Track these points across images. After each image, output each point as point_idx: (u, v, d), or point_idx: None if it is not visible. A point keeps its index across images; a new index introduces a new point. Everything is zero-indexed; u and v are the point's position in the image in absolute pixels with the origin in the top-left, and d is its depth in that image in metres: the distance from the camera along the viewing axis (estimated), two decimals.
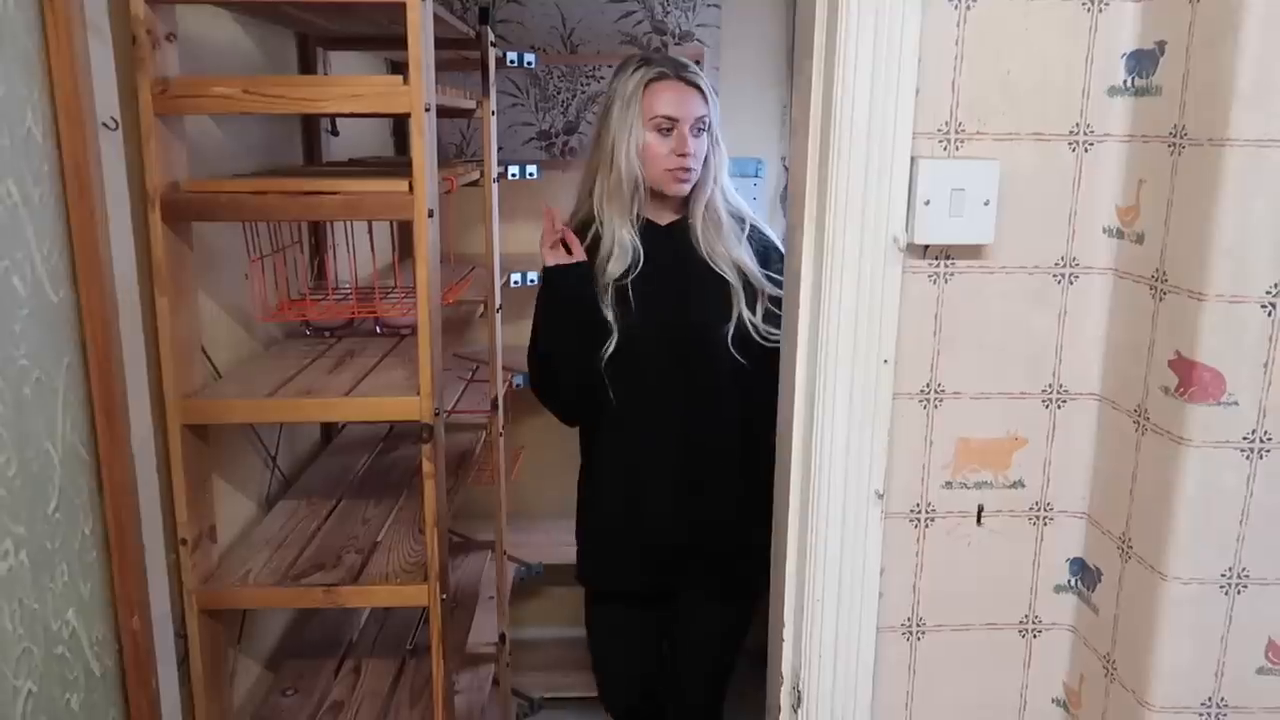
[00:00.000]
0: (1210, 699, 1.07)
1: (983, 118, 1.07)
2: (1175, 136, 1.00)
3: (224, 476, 1.66)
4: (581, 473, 1.95)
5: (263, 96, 1.37)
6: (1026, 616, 1.21)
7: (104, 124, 1.18)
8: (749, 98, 2.95)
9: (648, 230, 1.79)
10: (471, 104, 2.12)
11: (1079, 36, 1.06)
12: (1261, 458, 1.00)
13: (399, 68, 2.19)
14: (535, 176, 2.53)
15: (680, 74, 1.75)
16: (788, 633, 1.21)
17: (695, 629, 1.95)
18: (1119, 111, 1.08)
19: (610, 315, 1.75)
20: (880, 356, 1.10)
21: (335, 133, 2.21)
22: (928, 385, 1.14)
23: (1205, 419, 0.99)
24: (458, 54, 2.22)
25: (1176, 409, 1.00)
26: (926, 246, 1.10)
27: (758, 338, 1.74)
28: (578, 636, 2.01)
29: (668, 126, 1.73)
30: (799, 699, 1.20)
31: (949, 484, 1.16)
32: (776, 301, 1.69)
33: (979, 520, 1.17)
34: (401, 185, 1.40)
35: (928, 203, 1.06)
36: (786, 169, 2.89)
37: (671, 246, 1.78)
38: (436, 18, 1.57)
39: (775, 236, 1.89)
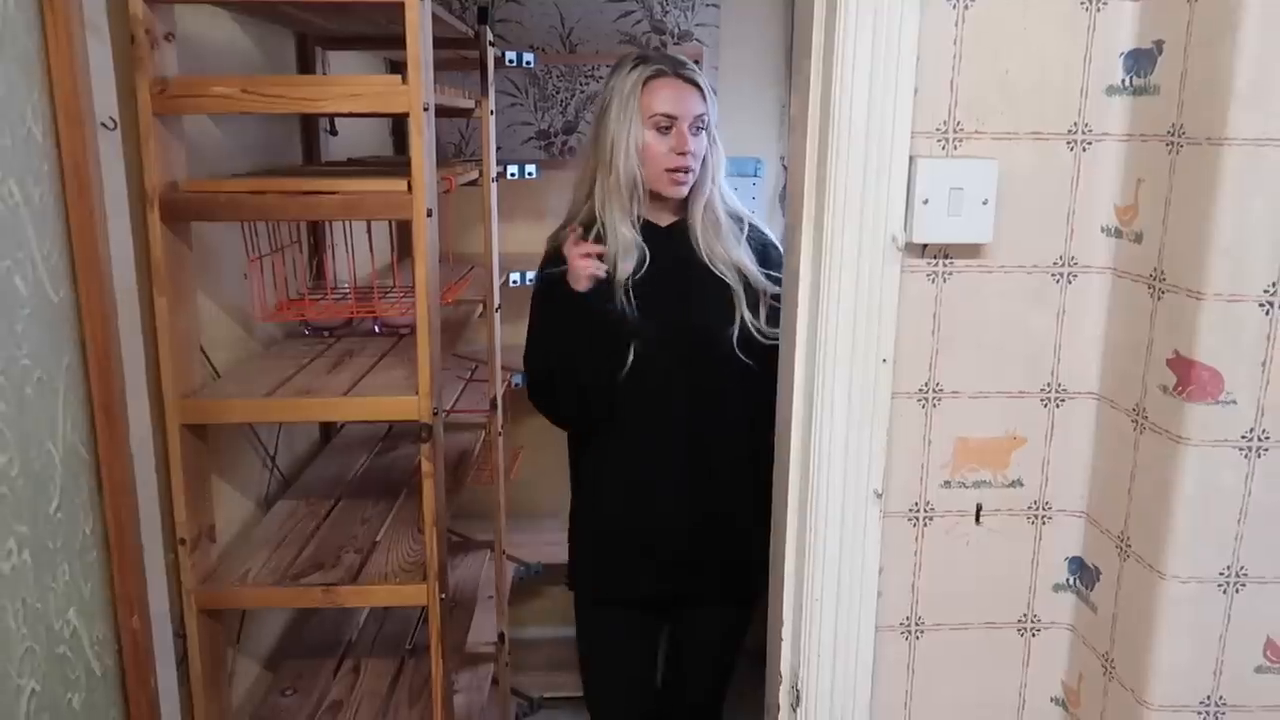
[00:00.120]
0: (1209, 698, 1.07)
1: (981, 117, 1.07)
2: (1173, 136, 1.00)
3: (223, 476, 1.66)
4: (576, 477, 1.92)
5: (261, 96, 1.37)
6: (1025, 615, 1.21)
7: (103, 124, 1.18)
8: (748, 97, 2.95)
9: (648, 231, 1.77)
10: (470, 104, 2.12)
11: (1077, 36, 1.06)
12: (1260, 456, 1.00)
13: (398, 67, 2.19)
14: (534, 176, 2.53)
15: (678, 71, 1.74)
16: (786, 632, 1.21)
17: (698, 631, 1.94)
18: (1117, 111, 1.08)
19: (617, 318, 1.72)
20: (879, 356, 1.10)
21: (334, 132, 2.21)
22: (926, 384, 1.14)
23: (1204, 418, 0.99)
24: (456, 54, 2.22)
25: (1175, 408, 1.01)
26: (925, 246, 1.10)
27: (760, 339, 1.73)
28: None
29: (666, 125, 1.72)
30: (798, 698, 1.20)
31: (948, 483, 1.16)
32: (779, 299, 1.67)
33: (978, 519, 1.18)
34: (400, 185, 1.40)
35: (926, 202, 1.06)
36: (785, 168, 2.90)
37: (672, 248, 1.77)
38: (435, 17, 1.57)
39: (773, 235, 1.88)
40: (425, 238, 1.40)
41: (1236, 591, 1.04)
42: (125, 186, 1.25)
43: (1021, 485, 1.17)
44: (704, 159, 1.76)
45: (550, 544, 2.72)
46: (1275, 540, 1.03)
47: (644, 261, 1.74)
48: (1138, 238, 1.06)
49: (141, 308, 1.31)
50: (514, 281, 2.51)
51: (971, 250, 1.10)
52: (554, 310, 1.78)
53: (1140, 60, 1.05)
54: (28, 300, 1.04)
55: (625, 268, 1.73)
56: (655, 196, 1.77)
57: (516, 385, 2.62)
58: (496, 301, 2.31)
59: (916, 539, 1.18)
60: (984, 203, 1.07)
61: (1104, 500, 1.14)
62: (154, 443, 1.33)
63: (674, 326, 1.74)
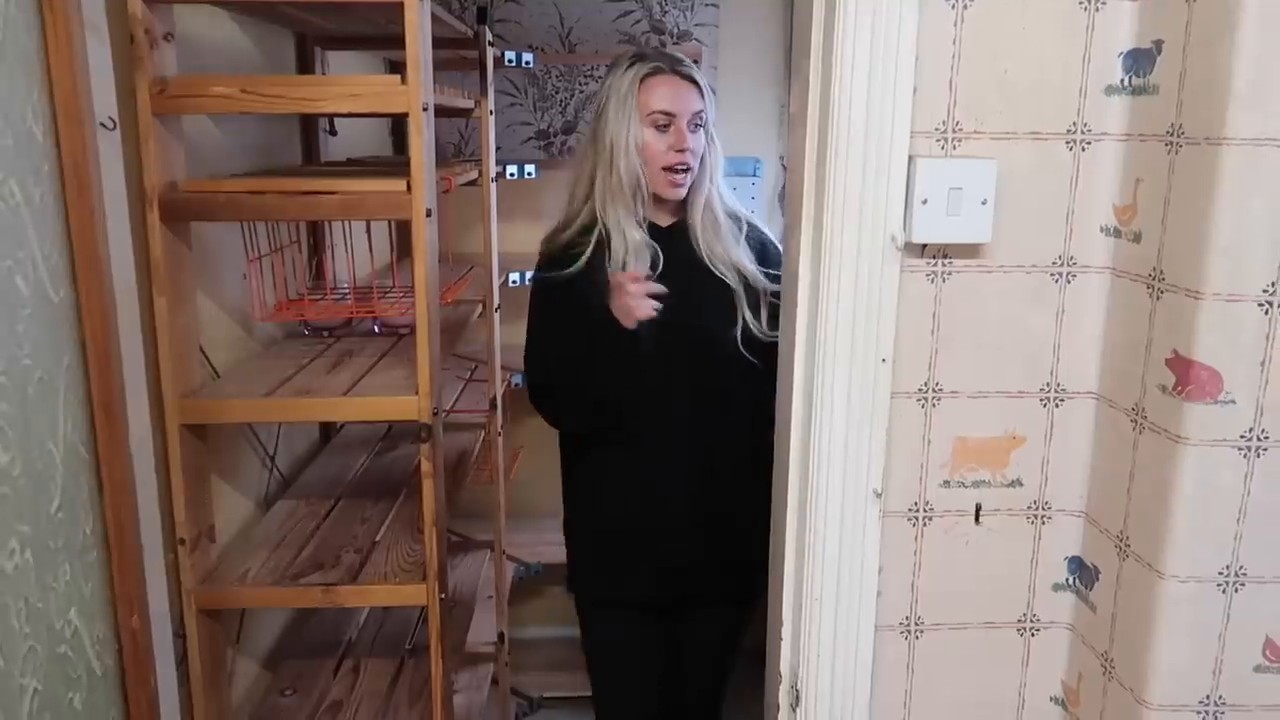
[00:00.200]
0: (1208, 697, 1.07)
1: (980, 117, 1.07)
2: (1172, 136, 1.00)
3: (222, 476, 1.66)
4: (575, 480, 1.89)
5: (261, 96, 1.37)
6: (1025, 615, 1.21)
7: (102, 124, 1.18)
8: (747, 97, 2.95)
9: (651, 232, 1.75)
10: (470, 104, 2.12)
11: (1076, 35, 1.06)
12: (1259, 456, 1.00)
13: (397, 67, 2.19)
14: (533, 176, 2.53)
15: (675, 69, 1.73)
16: (786, 631, 1.21)
17: (698, 631, 1.93)
18: (1116, 111, 1.08)
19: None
20: (878, 355, 1.10)
21: (333, 132, 2.21)
22: (926, 384, 1.14)
23: (1202, 417, 0.99)
24: (456, 54, 2.22)
25: (1174, 407, 1.01)
26: (924, 245, 1.10)
27: (762, 339, 1.72)
28: (577, 636, 1.99)
29: (664, 122, 1.70)
30: (797, 698, 1.20)
31: (947, 483, 1.16)
32: (779, 296, 1.64)
33: (977, 519, 1.18)
34: (400, 185, 1.40)
35: (925, 202, 1.06)
36: (785, 168, 2.90)
37: (674, 249, 1.75)
38: (434, 17, 1.58)
39: (771, 233, 1.88)
40: (425, 238, 1.40)
41: (1236, 591, 1.04)
42: (124, 186, 1.25)
43: (1021, 485, 1.17)
44: (702, 158, 1.75)
45: (550, 544, 2.72)
46: (1274, 540, 1.03)
47: (658, 263, 1.72)
48: (1137, 237, 1.06)
49: (141, 308, 1.31)
50: (513, 281, 2.51)
51: (971, 250, 1.10)
52: (555, 315, 1.77)
53: (1139, 60, 1.05)
54: (29, 300, 1.04)
55: (639, 270, 1.69)
56: (655, 197, 1.75)
57: (516, 385, 2.62)
58: (496, 301, 2.31)
59: (916, 539, 1.18)
60: (983, 203, 1.07)
61: (1103, 500, 1.14)
62: (153, 443, 1.33)
63: (678, 328, 1.71)
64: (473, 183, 2.18)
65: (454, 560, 2.47)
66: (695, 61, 1.80)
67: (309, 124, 2.07)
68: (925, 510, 1.17)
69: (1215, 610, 1.04)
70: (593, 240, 1.73)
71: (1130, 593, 1.09)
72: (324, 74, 2.12)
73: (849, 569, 1.16)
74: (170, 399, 1.39)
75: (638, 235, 1.72)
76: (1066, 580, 1.20)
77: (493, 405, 2.33)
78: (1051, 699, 1.24)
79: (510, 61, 2.48)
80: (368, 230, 1.81)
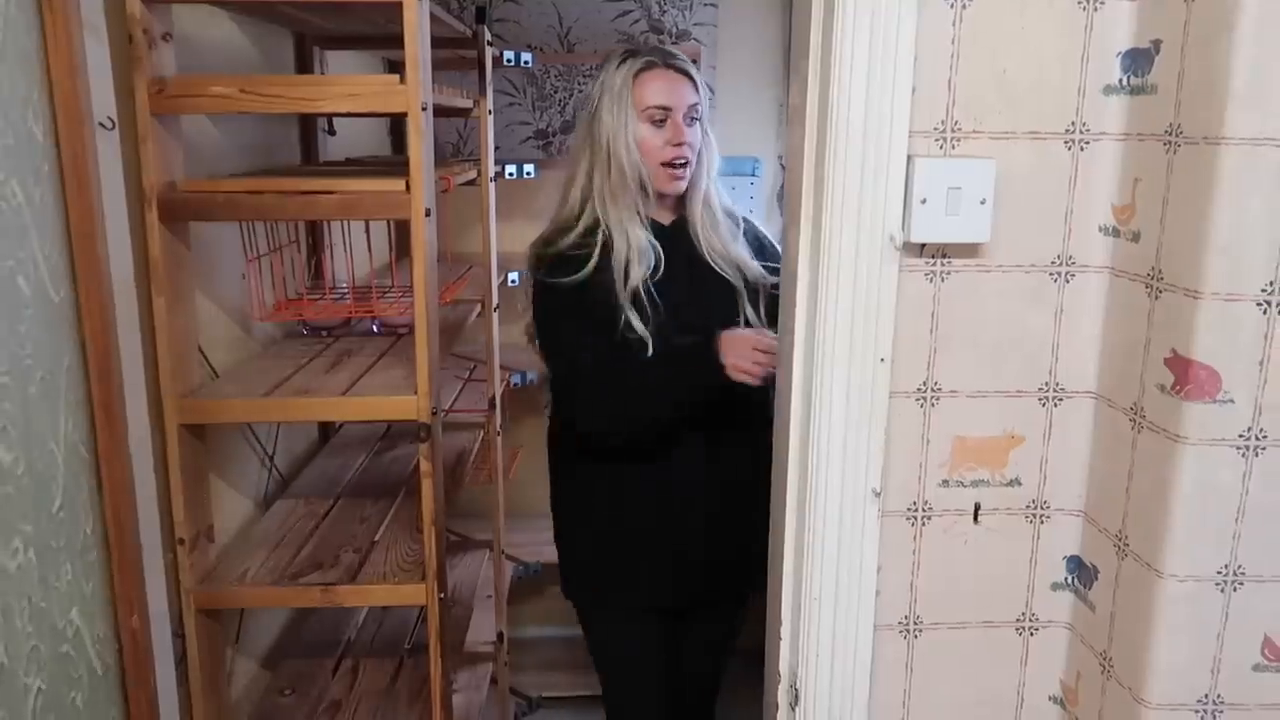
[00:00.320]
0: (1207, 696, 1.07)
1: (979, 116, 1.07)
2: (1171, 135, 1.00)
3: (221, 476, 1.66)
4: (590, 485, 1.84)
5: (259, 96, 1.37)
6: (1023, 614, 1.21)
7: (100, 124, 1.18)
8: (746, 96, 2.96)
9: (654, 230, 1.73)
10: (468, 103, 2.12)
11: (1075, 35, 1.06)
12: (1257, 455, 1.01)
13: (396, 67, 2.19)
14: (532, 176, 2.53)
15: (669, 62, 1.71)
16: (785, 631, 1.21)
17: (703, 630, 1.92)
18: (1115, 110, 1.08)
19: (639, 324, 1.66)
20: (877, 355, 1.10)
21: (332, 132, 2.21)
22: (924, 384, 1.14)
23: (1201, 417, 0.99)
24: (455, 53, 2.22)
25: (1173, 407, 1.01)
26: (923, 245, 1.10)
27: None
28: (576, 636, 1.99)
29: (661, 117, 1.68)
30: (796, 697, 1.20)
31: (946, 482, 1.16)
32: (778, 288, 1.60)
33: (976, 518, 1.18)
34: (398, 185, 1.40)
35: (924, 201, 1.07)
36: (783, 168, 2.90)
37: (677, 246, 1.74)
38: (433, 17, 1.58)
39: (766, 230, 1.87)
40: (423, 237, 1.40)
41: (1234, 590, 1.04)
42: (123, 186, 1.25)
43: (1020, 484, 1.17)
44: (699, 152, 1.73)
45: (549, 544, 2.70)
46: (1273, 539, 1.03)
47: (659, 264, 1.69)
48: (1135, 237, 1.06)
49: (140, 308, 1.31)
50: (512, 281, 2.51)
51: (969, 250, 1.10)
52: (582, 322, 1.69)
53: (1138, 60, 1.05)
54: (30, 300, 1.04)
55: (639, 272, 1.67)
56: (656, 194, 1.73)
57: (515, 385, 2.62)
58: (495, 301, 2.31)
59: (915, 538, 1.18)
60: (982, 202, 1.07)
61: (1102, 499, 1.14)
62: (152, 442, 1.34)
63: (686, 329, 1.70)
64: (471, 182, 2.19)
65: (453, 560, 2.46)
66: (694, 61, 1.79)
67: (308, 124, 2.07)
68: (924, 510, 1.17)
69: (1214, 609, 1.05)
70: (598, 242, 1.70)
71: (1129, 592, 1.09)
72: (323, 74, 2.12)
73: (848, 568, 1.16)
74: (169, 399, 1.39)
75: (642, 235, 1.69)
76: (1065, 579, 1.20)
77: (491, 405, 2.33)
78: (1050, 698, 1.24)
79: (509, 61, 2.48)
80: (366, 230, 1.81)
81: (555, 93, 2.94)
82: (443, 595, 1.52)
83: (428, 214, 1.40)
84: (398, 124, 2.76)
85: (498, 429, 2.36)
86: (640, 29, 2.89)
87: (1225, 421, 0.99)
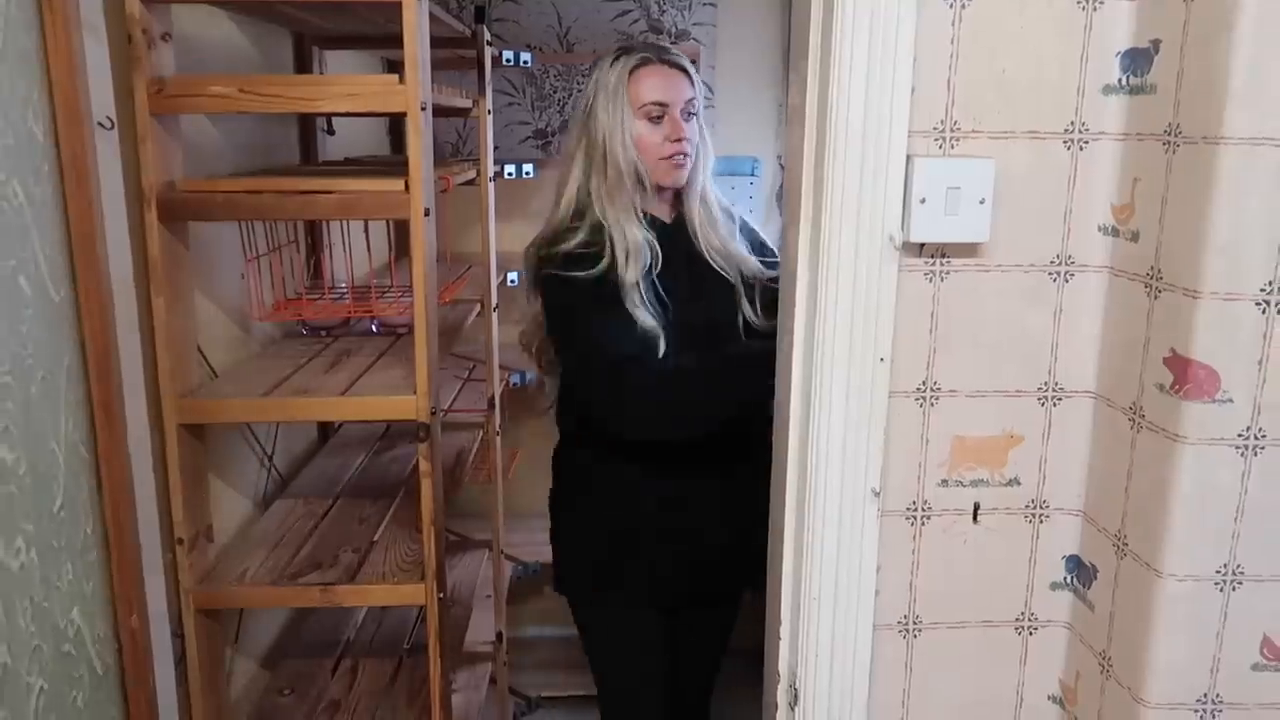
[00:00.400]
0: (1206, 695, 1.07)
1: (978, 116, 1.08)
2: (1170, 135, 1.00)
3: (220, 476, 1.66)
4: (598, 482, 1.81)
5: (259, 96, 1.37)
6: (1023, 614, 1.21)
7: (99, 123, 1.18)
8: (745, 96, 2.96)
9: (655, 227, 1.71)
10: (468, 103, 2.12)
11: (1074, 35, 1.06)
12: (1256, 455, 1.01)
13: (395, 67, 2.19)
14: (531, 175, 2.53)
15: (663, 58, 1.69)
16: (784, 631, 1.21)
17: (700, 626, 1.92)
18: (1114, 110, 1.08)
19: (650, 320, 1.63)
20: (876, 355, 1.11)
21: (331, 132, 2.21)
22: (924, 383, 1.14)
23: (1200, 416, 0.99)
24: (454, 53, 2.22)
25: (1172, 406, 1.01)
26: (922, 245, 1.10)
27: (760, 327, 1.71)
28: (575, 636, 1.98)
29: (658, 114, 1.67)
30: (796, 697, 1.20)
31: (945, 482, 1.17)
32: (775, 281, 1.54)
33: (975, 518, 1.18)
34: (398, 184, 1.40)
35: (923, 201, 1.07)
36: (783, 168, 2.90)
37: (679, 243, 1.72)
38: (432, 17, 1.58)
39: (759, 229, 1.87)
40: (423, 237, 1.40)
41: (1233, 589, 1.04)
42: (122, 186, 1.25)
43: (1019, 484, 1.17)
44: (696, 147, 1.71)
45: (548, 543, 2.72)
46: (1272, 538, 1.03)
47: (657, 261, 1.67)
48: (1134, 236, 1.06)
49: (139, 307, 1.31)
50: (511, 281, 2.50)
51: (969, 249, 1.10)
52: (608, 314, 1.65)
53: (1137, 59, 1.05)
54: (31, 300, 1.04)
55: (634, 271, 1.64)
56: (656, 188, 1.71)
57: (514, 385, 2.62)
58: (494, 301, 2.31)
59: (914, 538, 1.18)
60: (981, 202, 1.07)
61: (1101, 499, 1.14)
62: (151, 442, 1.34)
63: (692, 321, 1.68)
64: (471, 182, 2.19)
65: (452, 560, 2.46)
66: (693, 61, 1.78)
67: (307, 123, 2.07)
68: (923, 509, 1.17)
69: (1213, 609, 1.05)
70: (606, 240, 1.67)
71: (1128, 591, 1.09)
72: (322, 73, 2.12)
73: (847, 568, 1.16)
74: (168, 398, 1.39)
75: (639, 233, 1.67)
76: (1064, 579, 1.20)
77: (490, 405, 2.33)
78: (1049, 698, 1.24)
79: (508, 61, 2.48)
80: (365, 230, 1.81)
81: (554, 93, 2.94)
82: (442, 595, 1.52)
83: (427, 214, 1.40)
84: (397, 124, 2.76)
85: (497, 429, 2.36)
86: (639, 29, 2.89)
87: (1224, 421, 0.99)
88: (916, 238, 1.08)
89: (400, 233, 2.13)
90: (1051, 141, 1.09)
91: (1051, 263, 1.12)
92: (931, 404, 1.14)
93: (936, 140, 1.08)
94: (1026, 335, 1.13)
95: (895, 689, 1.22)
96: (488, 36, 2.22)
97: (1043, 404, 1.15)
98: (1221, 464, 1.01)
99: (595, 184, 1.70)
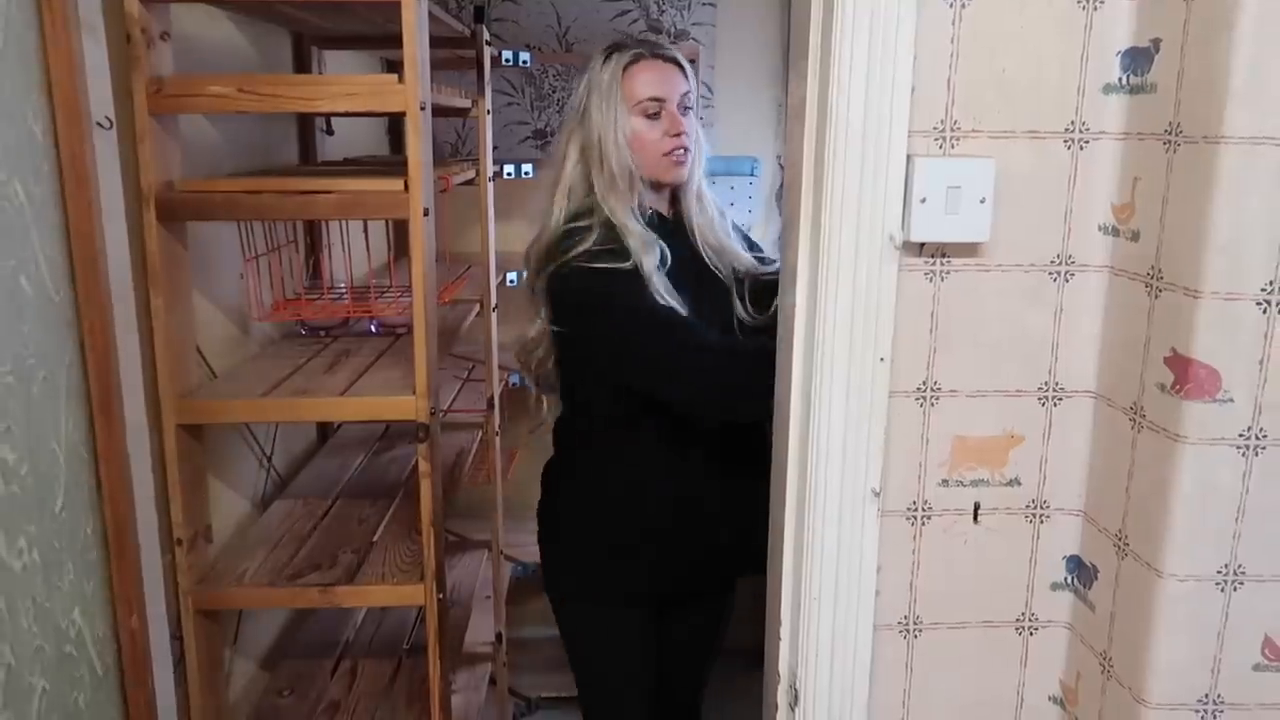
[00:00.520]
0: (1207, 696, 1.07)
1: (978, 116, 1.07)
2: (1170, 134, 1.00)
3: (219, 476, 1.65)
4: (607, 480, 1.78)
5: (258, 95, 1.37)
6: (1023, 614, 1.21)
7: (98, 123, 1.18)
8: (744, 96, 2.96)
9: (658, 222, 1.70)
10: (467, 103, 2.12)
11: (1074, 34, 1.06)
12: (1257, 454, 1.00)
13: (394, 67, 2.18)
14: (530, 175, 2.53)
15: (656, 53, 1.67)
16: (784, 631, 1.21)
17: (692, 622, 1.91)
18: (1114, 109, 1.08)
19: (682, 309, 1.59)
20: (876, 354, 1.10)
21: (330, 132, 2.21)
22: (924, 383, 1.14)
23: (1201, 416, 0.99)
24: (453, 53, 2.22)
25: (1172, 406, 1.01)
26: (922, 244, 1.10)
27: (750, 323, 1.70)
28: None
29: (655, 110, 1.64)
30: (796, 697, 1.20)
31: (945, 482, 1.16)
32: (774, 287, 1.48)
33: (975, 518, 1.18)
34: (397, 184, 1.40)
35: (924, 201, 1.06)
36: (782, 168, 2.90)
37: (679, 240, 1.71)
38: (431, 16, 1.57)
39: (745, 229, 1.87)
40: (422, 237, 1.40)
41: (1234, 590, 1.04)
42: (121, 186, 1.25)
43: (1019, 484, 1.17)
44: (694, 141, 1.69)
45: None
46: (1273, 538, 1.03)
47: (665, 256, 1.64)
48: (1135, 236, 1.06)
49: (138, 307, 1.31)
50: (511, 281, 2.50)
51: (969, 249, 1.10)
52: (647, 304, 1.60)
53: (1137, 59, 1.05)
54: (32, 300, 1.04)
55: (651, 262, 1.61)
56: (655, 184, 1.69)
57: (513, 385, 2.62)
58: (493, 301, 2.31)
59: (914, 538, 1.18)
60: (981, 201, 1.07)
61: (1102, 499, 1.14)
62: (150, 443, 1.33)
63: (696, 317, 1.63)
64: (470, 182, 2.19)
65: (451, 560, 2.46)
66: (692, 61, 1.77)
67: (306, 123, 2.07)
68: (924, 509, 1.17)
69: (1214, 609, 1.04)
70: (623, 236, 1.63)
71: (1129, 591, 1.09)
72: (321, 73, 2.12)
73: (847, 568, 1.16)
74: (167, 399, 1.39)
75: (635, 227, 1.65)
76: (1065, 579, 1.20)
77: (490, 405, 2.33)
78: (1050, 698, 1.24)
79: (507, 61, 2.48)
80: (365, 230, 1.81)
81: (554, 92, 2.94)
82: (441, 596, 1.52)
83: (426, 214, 1.40)
84: (396, 124, 2.76)
85: (496, 429, 2.36)
86: (639, 29, 2.89)
87: (1225, 421, 0.99)
88: (917, 237, 1.08)
89: (399, 233, 2.12)
90: (1052, 141, 1.08)
91: (1052, 262, 1.12)
92: (932, 404, 1.14)
93: (936, 140, 1.08)
94: (1027, 335, 1.13)
95: (895, 689, 1.21)
96: (487, 36, 2.22)
97: (1043, 404, 1.15)
98: (1222, 464, 1.00)
99: (596, 181, 1.67)
